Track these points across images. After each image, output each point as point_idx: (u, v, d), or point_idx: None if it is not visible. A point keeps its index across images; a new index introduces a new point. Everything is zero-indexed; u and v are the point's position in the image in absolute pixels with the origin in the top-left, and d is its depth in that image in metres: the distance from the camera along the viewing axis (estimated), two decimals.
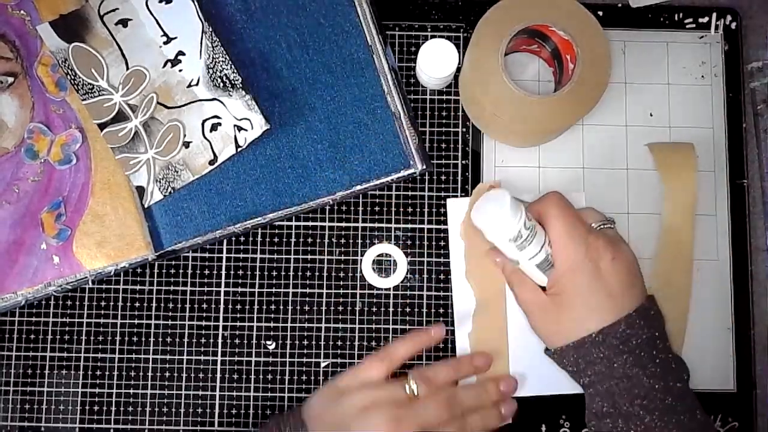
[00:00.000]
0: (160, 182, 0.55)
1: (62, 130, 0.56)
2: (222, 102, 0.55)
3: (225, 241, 0.57)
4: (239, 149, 0.55)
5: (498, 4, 0.52)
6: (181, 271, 0.57)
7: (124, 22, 0.56)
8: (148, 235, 0.55)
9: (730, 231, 0.58)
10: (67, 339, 0.56)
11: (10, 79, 0.56)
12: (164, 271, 0.57)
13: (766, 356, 0.57)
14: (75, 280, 0.55)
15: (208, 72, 0.55)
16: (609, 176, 0.58)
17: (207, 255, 0.57)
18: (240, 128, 0.55)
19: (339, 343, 0.57)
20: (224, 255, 0.57)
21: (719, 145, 0.59)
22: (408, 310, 0.57)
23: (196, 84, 0.55)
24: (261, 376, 0.56)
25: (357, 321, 0.57)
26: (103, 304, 0.57)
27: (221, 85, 0.55)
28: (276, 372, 0.56)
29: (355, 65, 0.57)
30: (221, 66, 0.55)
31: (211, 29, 0.55)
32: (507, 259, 0.53)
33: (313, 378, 0.56)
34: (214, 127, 0.55)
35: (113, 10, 0.56)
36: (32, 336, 0.56)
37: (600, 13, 0.59)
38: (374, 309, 0.57)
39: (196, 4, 0.55)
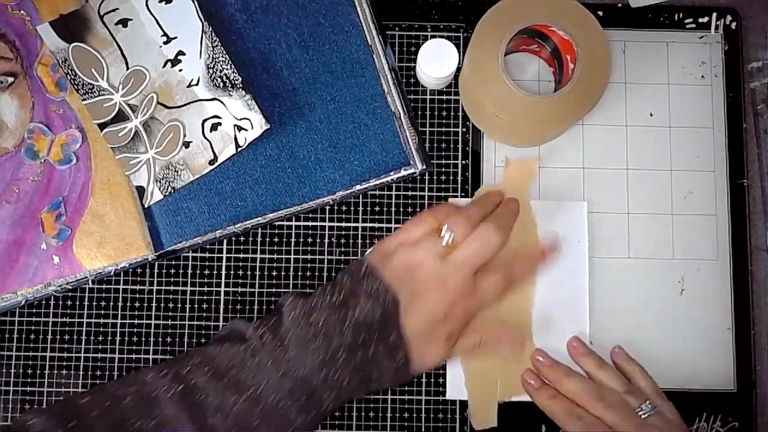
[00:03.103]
0: (160, 182, 0.55)
1: (62, 130, 0.56)
2: (222, 102, 0.55)
3: (225, 241, 0.57)
4: (239, 149, 0.55)
5: (498, 4, 0.52)
6: (181, 271, 0.57)
7: (124, 22, 0.56)
8: (148, 235, 0.55)
9: (730, 231, 0.58)
10: (67, 339, 0.56)
11: (10, 79, 0.56)
12: (164, 271, 0.57)
13: (766, 356, 0.57)
14: (75, 280, 0.55)
15: (208, 72, 0.55)
16: (609, 176, 0.58)
17: (207, 255, 0.57)
18: (240, 128, 0.55)
19: None
20: (224, 255, 0.57)
21: (719, 145, 0.59)
22: None
23: (196, 84, 0.55)
24: None
25: None
26: (103, 304, 0.57)
27: (221, 84, 0.55)
28: None
29: (355, 65, 0.57)
30: (221, 66, 0.55)
31: (211, 29, 0.55)
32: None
33: None
34: (214, 127, 0.55)
35: (113, 10, 0.56)
36: (32, 336, 0.56)
37: (600, 13, 0.59)
38: None
39: (196, 4, 0.55)
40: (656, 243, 0.58)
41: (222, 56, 0.55)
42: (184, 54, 0.55)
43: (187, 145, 0.55)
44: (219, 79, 0.55)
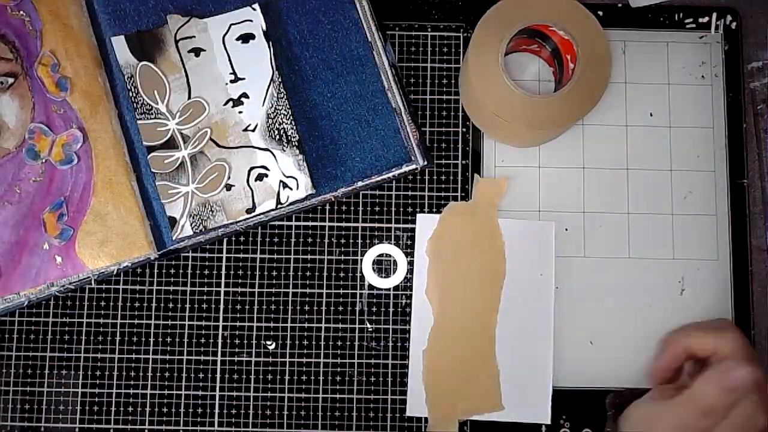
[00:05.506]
0: (193, 218, 0.54)
1: (63, 130, 0.56)
2: (274, 154, 0.54)
3: (225, 241, 0.57)
4: (279, 206, 0.54)
5: (498, 4, 0.52)
6: (181, 271, 0.57)
7: (196, 51, 0.55)
8: (150, 234, 0.55)
9: (730, 231, 0.58)
10: (67, 339, 0.56)
11: (11, 80, 0.56)
12: (164, 271, 0.57)
13: (766, 356, 0.57)
14: (78, 280, 0.55)
15: (268, 121, 0.55)
16: (609, 176, 0.58)
17: (207, 255, 0.57)
18: (285, 185, 0.54)
19: (339, 343, 0.57)
20: (224, 255, 0.57)
21: (719, 145, 0.59)
22: (408, 310, 0.57)
23: (253, 130, 0.55)
24: (261, 376, 0.56)
25: (357, 321, 0.57)
26: (103, 304, 0.57)
27: (277, 137, 0.55)
28: (276, 372, 0.56)
29: (354, 62, 0.57)
30: (281, 119, 0.54)
31: (280, 79, 0.55)
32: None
33: (313, 378, 0.56)
34: (260, 177, 0.54)
35: (189, 37, 0.55)
36: (32, 336, 0.56)
37: (600, 13, 0.59)
38: (374, 309, 0.57)
39: (272, 51, 0.55)
40: (656, 243, 0.58)
41: (285, 110, 0.54)
42: (247, 97, 0.55)
43: (228, 187, 0.55)
44: (276, 131, 0.55)
